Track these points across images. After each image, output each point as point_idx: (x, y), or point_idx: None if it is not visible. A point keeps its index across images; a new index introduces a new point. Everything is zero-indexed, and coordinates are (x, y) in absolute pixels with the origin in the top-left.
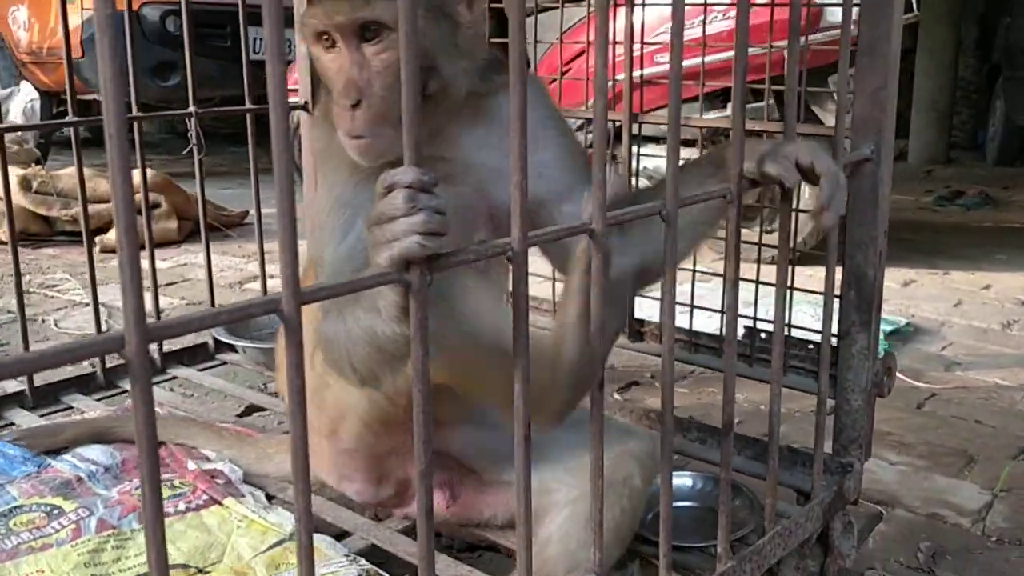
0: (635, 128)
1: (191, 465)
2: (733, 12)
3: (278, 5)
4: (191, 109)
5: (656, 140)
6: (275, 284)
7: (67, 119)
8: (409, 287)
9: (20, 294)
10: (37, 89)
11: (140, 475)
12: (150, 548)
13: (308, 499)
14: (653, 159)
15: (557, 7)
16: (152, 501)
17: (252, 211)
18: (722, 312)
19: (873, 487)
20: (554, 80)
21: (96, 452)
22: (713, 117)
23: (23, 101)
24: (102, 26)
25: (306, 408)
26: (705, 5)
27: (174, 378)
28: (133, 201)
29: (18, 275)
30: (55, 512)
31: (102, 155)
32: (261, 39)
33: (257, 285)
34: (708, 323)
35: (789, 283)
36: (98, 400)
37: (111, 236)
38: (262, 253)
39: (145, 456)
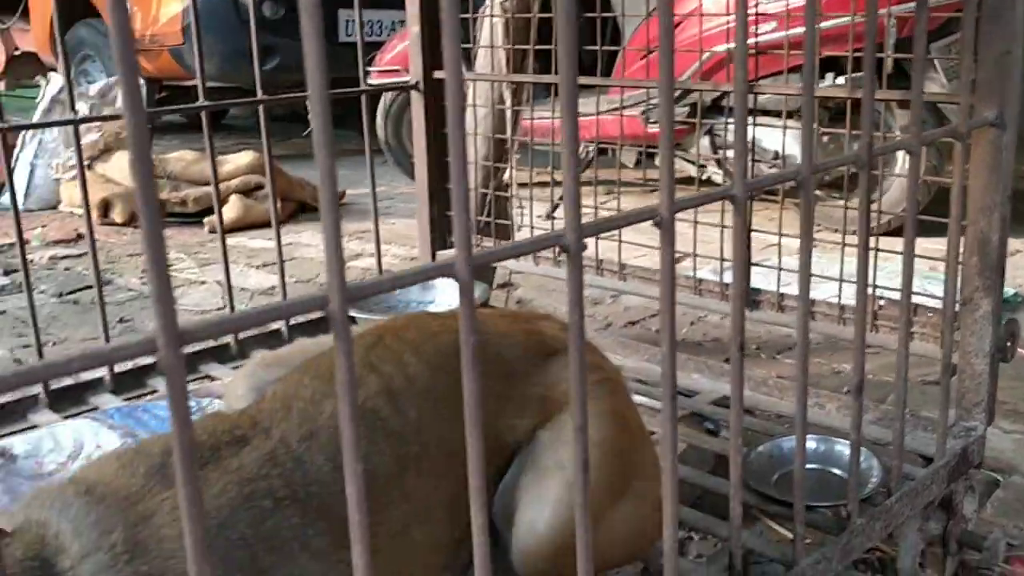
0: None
1: None
2: None
3: None
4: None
5: (762, 112)
6: (386, 261)
7: (198, 103)
8: (568, 250)
9: (161, 274)
10: (140, 76)
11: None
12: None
13: None
14: (765, 132)
15: None
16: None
17: (350, 191)
18: (840, 280)
19: (989, 454)
20: (646, 53)
21: None
22: (826, 87)
23: None
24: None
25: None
26: None
27: None
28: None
29: (160, 255)
30: None
31: (202, 138)
32: (351, 21)
33: (359, 263)
34: (817, 292)
35: (910, 250)
36: (232, 369)
37: (224, 216)
38: (377, 233)
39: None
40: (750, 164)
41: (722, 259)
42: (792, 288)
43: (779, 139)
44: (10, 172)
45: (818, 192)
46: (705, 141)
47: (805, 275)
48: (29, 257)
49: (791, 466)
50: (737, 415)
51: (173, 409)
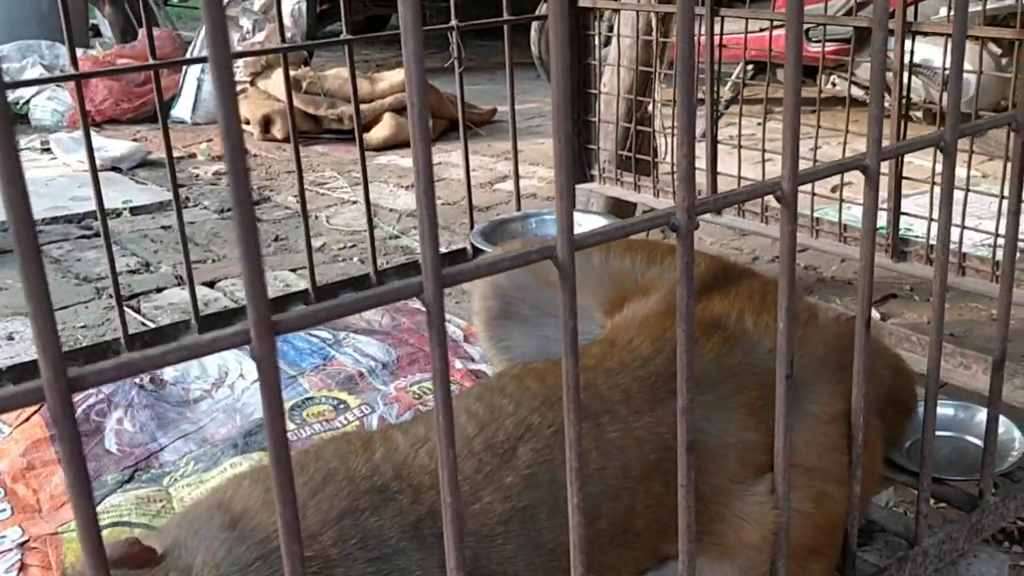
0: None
1: (458, 364)
2: None
3: None
4: (453, 23)
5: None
6: (528, 184)
7: (342, 37)
8: (678, 230)
9: (302, 191)
10: None
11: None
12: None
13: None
14: (937, 51)
15: None
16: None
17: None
18: (995, 234)
19: None
20: None
21: (375, 348)
22: (996, 6)
23: (291, 3)
24: None
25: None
26: None
27: None
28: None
29: (300, 177)
30: (341, 407)
31: (361, 55)
32: None
33: (506, 185)
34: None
35: None
36: None
37: (376, 135)
38: (515, 163)
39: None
40: (914, 84)
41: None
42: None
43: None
44: (161, 98)
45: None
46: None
47: (944, 233)
48: (195, 171)
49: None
50: (859, 390)
51: (265, 397)
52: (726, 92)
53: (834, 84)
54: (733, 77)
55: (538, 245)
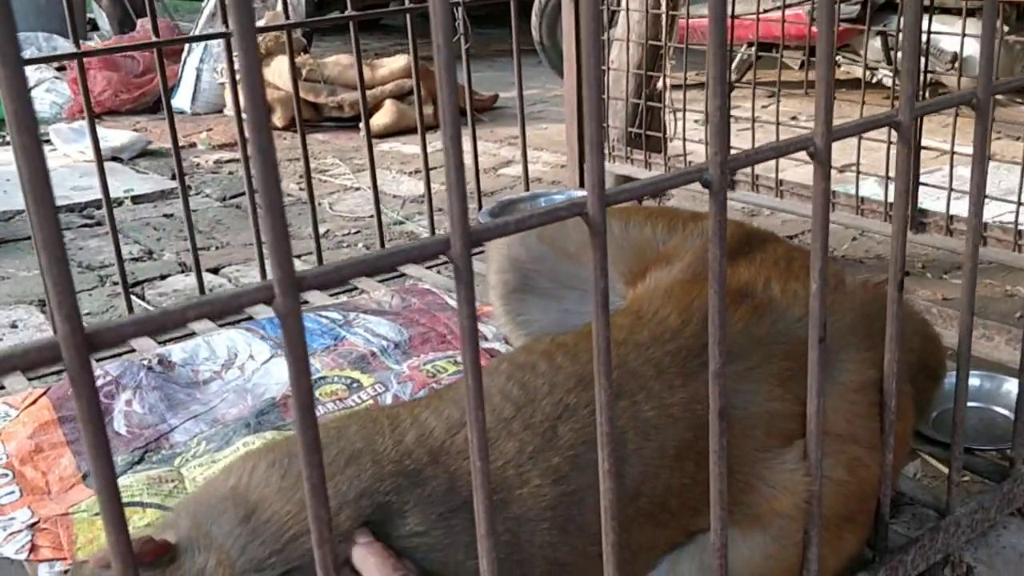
0: None
1: None
2: None
3: None
4: None
5: (941, 9)
6: (533, 169)
7: (347, 14)
8: (711, 186)
9: (309, 180)
10: None
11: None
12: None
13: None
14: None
15: None
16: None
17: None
18: (1018, 203)
19: None
20: None
21: (386, 328)
22: None
23: None
24: None
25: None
26: None
27: (445, 262)
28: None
29: (307, 161)
30: (354, 385)
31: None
32: None
33: (510, 170)
34: (989, 211)
35: None
36: (379, 282)
37: (377, 122)
38: (524, 142)
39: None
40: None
41: (887, 177)
42: (962, 207)
43: (958, 40)
44: (166, 83)
45: (999, 95)
46: (876, 43)
47: (977, 202)
48: (196, 160)
49: (951, 404)
50: (891, 356)
51: (290, 354)
52: (730, 74)
53: (839, 65)
54: (738, 59)
55: (567, 205)
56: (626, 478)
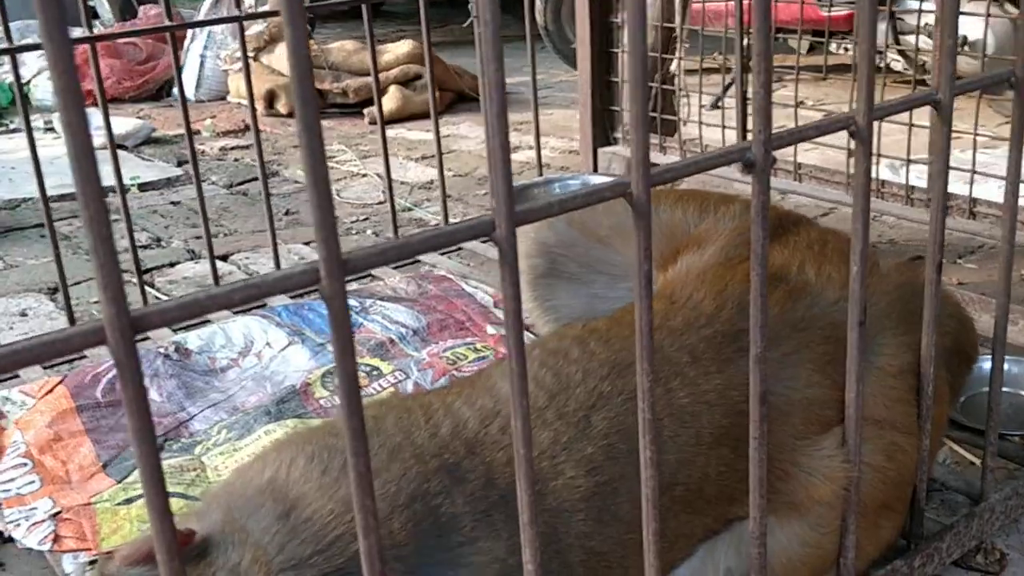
0: None
1: (491, 330)
2: None
3: None
4: None
5: None
6: (544, 155)
7: None
8: (754, 166)
9: (324, 201)
10: None
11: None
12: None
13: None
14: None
15: None
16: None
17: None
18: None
19: None
20: None
21: (403, 315)
22: None
23: None
24: None
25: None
26: None
27: (459, 248)
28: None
29: (324, 181)
30: (375, 373)
31: (361, 31)
32: None
33: (517, 156)
34: (1000, 193)
35: None
36: (394, 268)
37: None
38: (537, 126)
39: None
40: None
41: (908, 159)
42: (983, 191)
43: (966, 22)
44: (179, 68)
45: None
46: (884, 26)
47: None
48: (200, 147)
49: (979, 389)
50: (928, 340)
51: (336, 337)
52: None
53: (847, 50)
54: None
55: (611, 183)
56: (662, 466)
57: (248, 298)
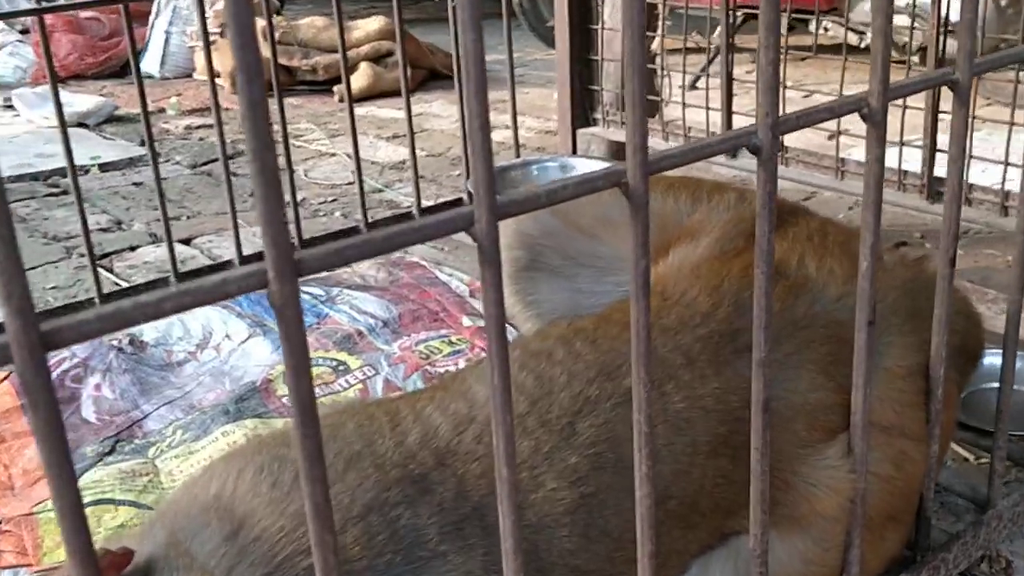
0: None
1: (466, 321)
2: None
3: None
4: None
5: None
6: (520, 135)
7: None
8: (760, 151)
9: (287, 145)
10: None
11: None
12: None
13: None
14: None
15: None
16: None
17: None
18: (1005, 164)
19: None
20: None
21: (372, 305)
22: None
23: None
24: None
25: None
26: None
27: None
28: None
29: (284, 130)
30: (341, 368)
31: (331, 6)
32: None
33: (495, 136)
34: (984, 177)
35: None
36: None
37: (352, 85)
38: (514, 106)
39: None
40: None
41: (902, 144)
42: (979, 177)
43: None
44: (133, 42)
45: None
46: (865, 6)
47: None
48: (164, 126)
49: (977, 385)
50: (939, 339)
51: (289, 353)
52: (715, 39)
53: (826, 29)
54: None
55: (605, 171)
56: (656, 478)
57: (180, 307)
